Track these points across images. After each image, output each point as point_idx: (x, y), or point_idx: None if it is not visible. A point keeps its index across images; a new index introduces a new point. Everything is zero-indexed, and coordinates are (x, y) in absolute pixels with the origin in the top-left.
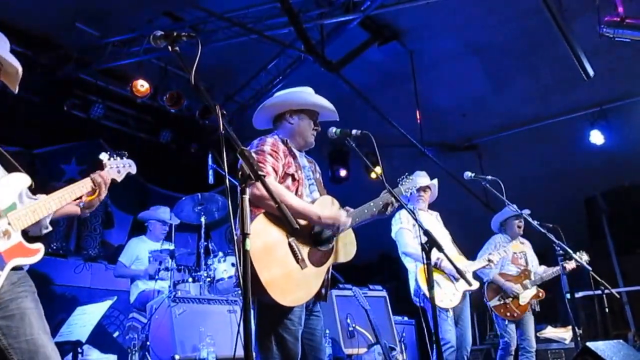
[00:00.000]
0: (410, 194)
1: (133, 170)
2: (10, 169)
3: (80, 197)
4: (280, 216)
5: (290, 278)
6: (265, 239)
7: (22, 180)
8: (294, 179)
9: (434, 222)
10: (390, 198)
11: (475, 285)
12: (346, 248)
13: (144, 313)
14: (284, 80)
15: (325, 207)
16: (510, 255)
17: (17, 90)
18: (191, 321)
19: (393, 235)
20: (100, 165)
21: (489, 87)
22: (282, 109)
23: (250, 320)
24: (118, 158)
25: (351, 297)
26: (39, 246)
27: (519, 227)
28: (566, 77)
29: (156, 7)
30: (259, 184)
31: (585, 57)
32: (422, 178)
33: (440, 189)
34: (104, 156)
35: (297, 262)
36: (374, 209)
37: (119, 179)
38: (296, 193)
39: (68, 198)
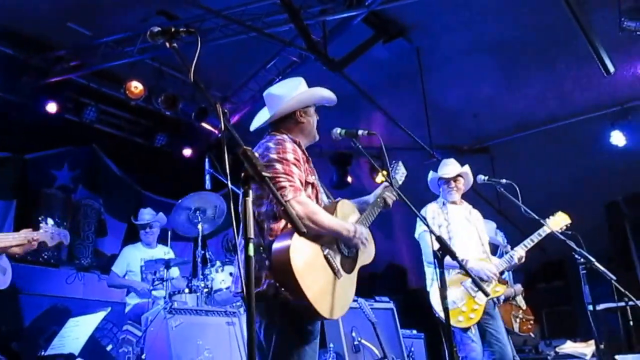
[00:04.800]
0: (439, 185)
1: (66, 241)
2: None
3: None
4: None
5: (332, 291)
6: (305, 256)
7: None
8: (312, 187)
9: (464, 218)
10: (386, 193)
11: (501, 291)
12: (367, 248)
13: (137, 325)
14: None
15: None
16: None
17: None
18: (188, 334)
19: (416, 236)
20: (35, 227)
21: (502, 85)
22: (292, 108)
23: (254, 331)
24: (55, 226)
25: (357, 309)
26: None
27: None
28: (585, 74)
29: (151, 5)
30: (293, 203)
31: (605, 52)
32: (449, 167)
33: None
34: (42, 221)
35: (334, 273)
36: (381, 208)
37: (50, 244)
38: (317, 201)
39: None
